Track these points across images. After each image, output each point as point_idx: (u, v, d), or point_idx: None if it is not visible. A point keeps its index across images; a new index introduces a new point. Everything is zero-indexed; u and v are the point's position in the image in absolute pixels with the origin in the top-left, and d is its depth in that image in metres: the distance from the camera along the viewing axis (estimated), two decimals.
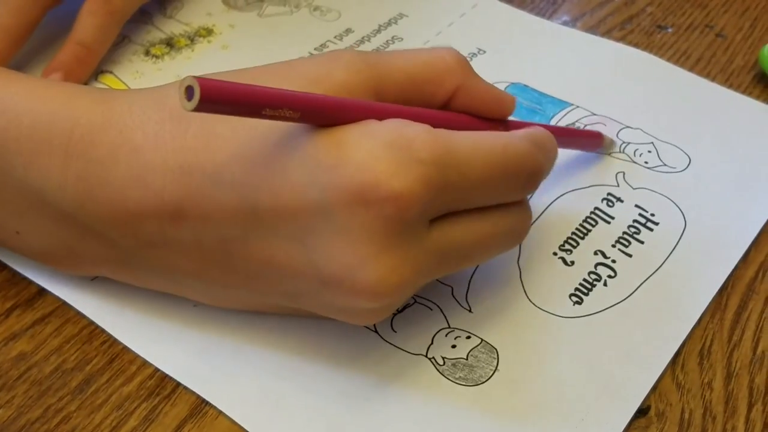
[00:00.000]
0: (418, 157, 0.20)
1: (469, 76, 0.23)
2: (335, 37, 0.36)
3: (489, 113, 0.24)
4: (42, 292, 0.25)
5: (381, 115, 0.21)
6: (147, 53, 0.35)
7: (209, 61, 0.35)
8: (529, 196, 0.24)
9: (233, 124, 0.22)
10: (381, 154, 0.20)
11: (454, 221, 0.22)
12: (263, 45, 0.35)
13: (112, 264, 0.25)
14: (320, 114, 0.20)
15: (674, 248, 0.27)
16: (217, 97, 0.18)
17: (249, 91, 0.18)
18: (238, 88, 0.18)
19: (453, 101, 0.23)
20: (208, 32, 0.36)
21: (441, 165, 0.21)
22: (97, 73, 0.34)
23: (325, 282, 0.21)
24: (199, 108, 0.18)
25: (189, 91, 0.17)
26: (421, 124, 0.21)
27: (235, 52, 0.35)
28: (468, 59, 0.24)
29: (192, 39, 0.36)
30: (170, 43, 0.36)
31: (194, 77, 0.17)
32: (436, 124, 0.21)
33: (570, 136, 0.29)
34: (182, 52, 0.35)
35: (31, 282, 0.25)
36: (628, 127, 0.32)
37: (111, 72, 0.34)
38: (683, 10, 0.38)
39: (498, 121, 0.24)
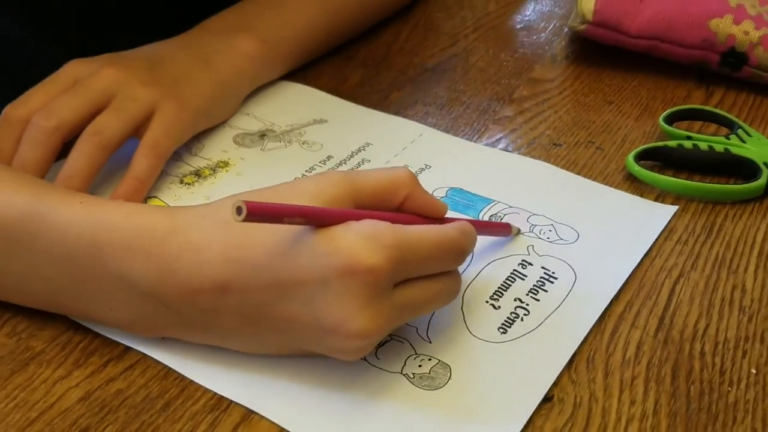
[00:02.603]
0: (384, 244, 0.30)
1: (416, 188, 0.34)
2: (320, 162, 0.48)
3: (429, 214, 0.35)
4: (128, 349, 0.36)
5: (357, 218, 0.31)
6: (181, 182, 0.47)
7: (228, 185, 0.46)
8: (460, 268, 0.36)
9: (261, 229, 0.31)
10: (360, 243, 0.30)
11: (410, 285, 0.32)
12: (267, 171, 0.47)
13: (177, 327, 0.35)
14: (319, 220, 0.31)
15: (568, 294, 0.39)
16: (257, 213, 0.28)
17: (276, 208, 0.29)
18: (269, 207, 0.28)
19: (404, 204, 0.34)
20: (225, 164, 0.49)
21: (400, 249, 0.31)
22: (146, 198, 0.45)
23: (326, 331, 0.31)
24: (245, 220, 0.27)
25: (238, 210, 0.27)
26: (385, 222, 0.31)
27: (247, 178, 0.47)
28: (416, 174, 0.37)
29: (213, 170, 0.48)
30: (198, 174, 0.48)
31: (243, 200, 0.27)
32: (394, 222, 0.32)
33: (486, 227, 0.41)
34: (207, 179, 0.47)
35: (119, 343, 0.36)
36: (535, 214, 0.44)
37: (156, 197, 0.45)
38: (572, 132, 0.51)
39: (436, 219, 0.36)
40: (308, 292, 0.31)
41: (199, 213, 0.34)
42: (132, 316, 0.35)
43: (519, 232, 0.42)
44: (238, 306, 0.32)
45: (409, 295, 0.32)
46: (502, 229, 0.41)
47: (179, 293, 0.33)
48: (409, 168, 0.35)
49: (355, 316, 0.30)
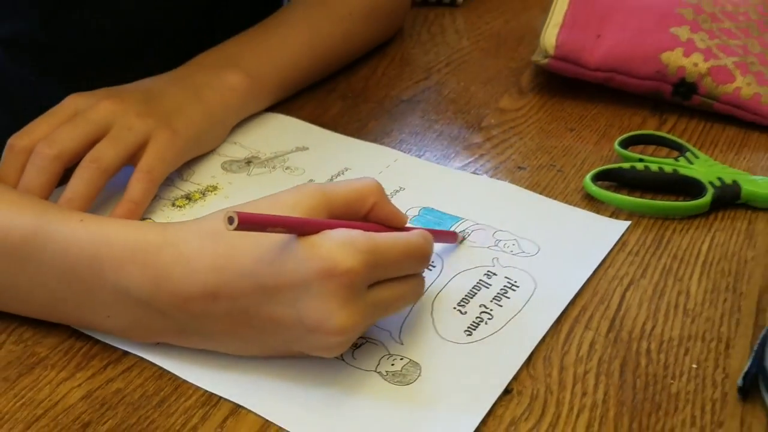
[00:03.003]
0: (359, 249, 0.34)
1: (381, 197, 0.38)
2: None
3: (392, 223, 0.39)
4: (126, 353, 0.39)
5: (333, 227, 0.35)
6: (173, 205, 0.51)
7: (216, 207, 0.49)
8: (432, 278, 0.39)
9: (247, 239, 0.35)
10: (337, 249, 0.34)
11: (382, 286, 0.36)
12: (253, 194, 0.48)
13: (171, 332, 0.38)
14: (299, 229, 0.34)
15: (528, 300, 0.43)
16: (246, 222, 0.31)
17: (262, 218, 0.32)
18: (257, 217, 0.32)
19: (372, 212, 0.38)
20: (214, 188, 0.52)
21: (373, 253, 0.35)
22: (141, 220, 0.49)
23: (309, 329, 0.35)
24: (236, 229, 0.31)
25: (230, 220, 0.31)
26: (357, 230, 0.35)
27: (234, 200, 0.50)
28: (391, 196, 0.40)
29: (203, 193, 0.52)
30: (188, 197, 0.51)
31: (234, 211, 0.31)
32: (364, 230, 0.35)
33: (440, 235, 0.44)
34: (197, 202, 0.51)
35: (117, 348, 0.39)
36: (500, 230, 0.48)
37: (150, 218, 0.49)
38: (535, 156, 0.56)
39: (397, 228, 0.39)
40: (291, 294, 0.34)
41: (190, 227, 0.38)
42: (129, 323, 0.38)
43: (463, 240, 0.47)
44: (227, 310, 0.36)
45: (381, 294, 0.36)
46: (452, 237, 0.46)
47: (173, 301, 0.36)
48: (384, 189, 0.39)
49: (334, 314, 0.34)
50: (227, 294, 0.35)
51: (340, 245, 0.34)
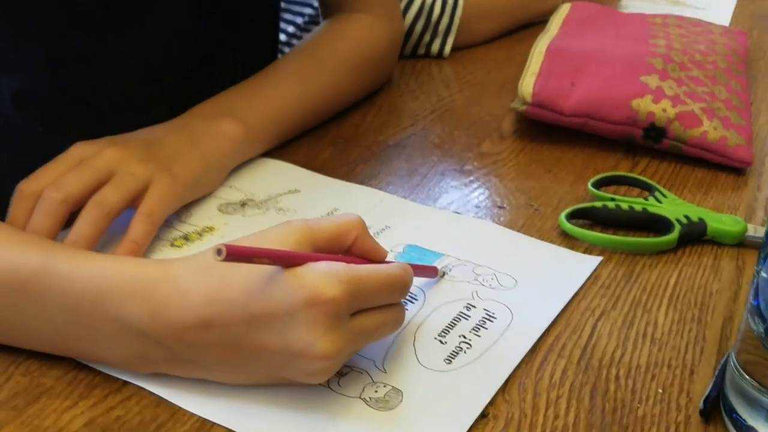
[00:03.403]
0: (341, 279, 0.37)
1: (363, 231, 0.41)
2: None
3: (373, 256, 0.42)
4: (125, 383, 0.41)
5: (316, 260, 0.37)
6: (172, 245, 0.54)
7: None
8: (414, 310, 0.42)
9: (236, 273, 0.37)
10: (321, 279, 0.37)
11: (364, 315, 0.39)
12: (247, 234, 0.54)
13: (167, 362, 0.41)
14: (285, 261, 0.37)
15: (505, 330, 0.45)
16: (234, 254, 0.34)
17: (249, 250, 0.35)
18: (244, 249, 0.35)
19: (354, 246, 0.41)
20: (210, 229, 0.55)
21: (354, 284, 0.37)
22: None
23: (295, 355, 0.37)
24: (225, 260, 0.34)
25: (219, 251, 0.34)
26: (339, 263, 0.38)
27: (229, 240, 0.53)
28: (376, 234, 0.43)
29: (200, 234, 0.55)
30: (186, 238, 0.54)
31: (223, 244, 0.34)
32: (347, 263, 0.38)
33: (422, 270, 0.47)
34: (195, 242, 0.54)
35: (118, 378, 0.42)
36: (480, 265, 0.51)
37: (149, 257, 0.52)
38: (514, 196, 0.59)
39: (378, 262, 0.42)
40: (279, 322, 0.37)
41: (185, 263, 0.40)
42: (128, 354, 0.41)
43: (444, 274, 0.49)
44: (219, 339, 0.39)
45: (363, 322, 0.39)
46: (431, 272, 0.48)
47: (169, 331, 0.39)
48: (370, 228, 0.42)
49: (319, 340, 0.36)
50: (219, 323, 0.38)
51: (324, 276, 0.37)
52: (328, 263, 0.38)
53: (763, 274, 0.37)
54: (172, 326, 0.39)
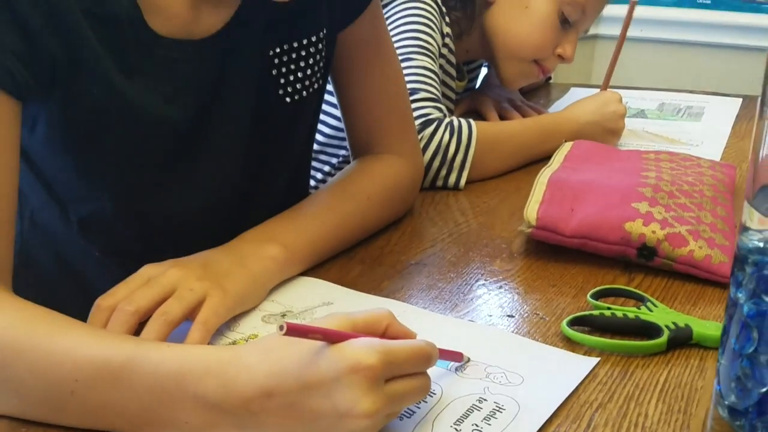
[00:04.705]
0: (376, 350, 0.46)
1: (393, 320, 0.50)
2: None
3: (404, 338, 0.50)
4: None
5: (356, 337, 0.47)
6: None
7: None
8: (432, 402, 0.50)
9: (291, 350, 0.47)
10: (360, 350, 0.46)
11: (396, 381, 0.47)
12: None
13: (232, 429, 0.48)
14: (332, 338, 0.46)
15: (513, 420, 0.52)
16: (293, 330, 0.44)
17: (304, 327, 0.45)
18: (301, 326, 0.44)
19: (386, 333, 0.50)
20: (255, 336, 0.63)
21: (387, 354, 0.46)
22: None
23: (341, 415, 0.45)
24: (286, 334, 0.43)
25: (281, 327, 0.43)
26: (375, 338, 0.47)
27: None
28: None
29: (246, 341, 0.63)
30: (234, 343, 0.62)
31: (285, 322, 0.44)
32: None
33: (448, 354, 0.55)
34: None
35: None
36: (491, 365, 0.58)
37: None
38: (522, 306, 0.67)
39: None
40: (326, 388, 0.45)
41: (250, 345, 0.51)
42: (202, 424, 0.48)
43: (468, 359, 0.57)
44: (278, 406, 0.47)
45: (396, 387, 0.47)
46: (456, 357, 0.56)
47: (238, 402, 0.47)
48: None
49: (361, 400, 0.45)
50: (279, 392, 0.46)
51: (363, 347, 0.46)
52: (366, 338, 0.47)
53: (723, 361, 0.44)
54: (241, 397, 0.47)
